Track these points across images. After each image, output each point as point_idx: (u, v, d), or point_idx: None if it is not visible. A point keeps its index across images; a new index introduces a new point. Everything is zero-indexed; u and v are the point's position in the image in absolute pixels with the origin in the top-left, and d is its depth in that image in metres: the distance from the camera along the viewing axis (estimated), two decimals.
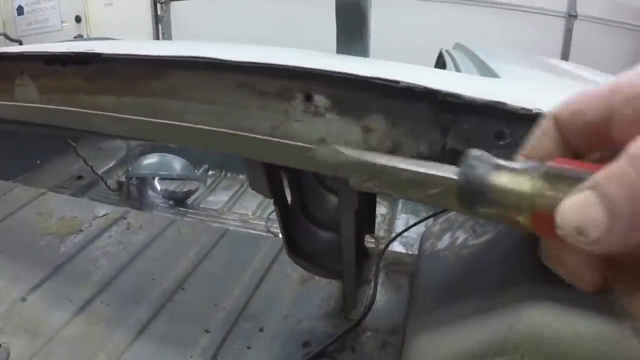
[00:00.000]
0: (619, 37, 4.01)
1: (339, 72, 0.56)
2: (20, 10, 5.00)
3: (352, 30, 0.89)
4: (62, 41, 2.58)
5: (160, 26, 4.37)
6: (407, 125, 0.57)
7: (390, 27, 3.31)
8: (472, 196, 0.34)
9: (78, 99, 0.79)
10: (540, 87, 0.77)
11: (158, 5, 4.33)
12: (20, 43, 1.64)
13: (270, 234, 2.37)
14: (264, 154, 0.66)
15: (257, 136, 0.63)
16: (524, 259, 0.64)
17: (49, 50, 0.79)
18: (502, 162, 0.34)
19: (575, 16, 3.93)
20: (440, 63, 2.23)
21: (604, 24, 3.96)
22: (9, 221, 1.48)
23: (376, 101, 0.57)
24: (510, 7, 3.91)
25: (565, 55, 3.97)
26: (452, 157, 0.56)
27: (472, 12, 3.93)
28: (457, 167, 0.35)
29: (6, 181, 1.80)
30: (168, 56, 0.68)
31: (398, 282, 1.20)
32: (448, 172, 0.41)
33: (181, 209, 2.85)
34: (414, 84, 0.52)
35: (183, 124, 0.68)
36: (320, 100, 0.60)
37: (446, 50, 2.05)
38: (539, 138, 0.36)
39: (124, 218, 1.49)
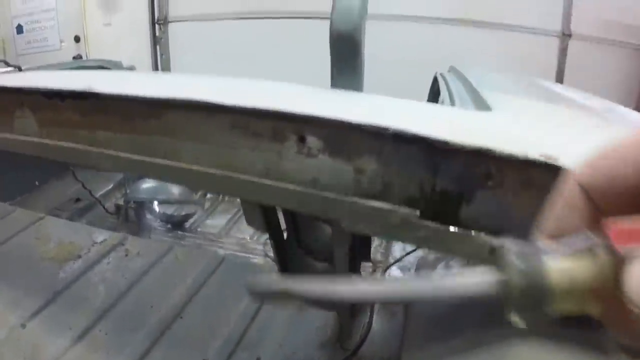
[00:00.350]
0: (614, 56, 4.04)
1: (331, 119, 0.58)
2: (19, 29, 5.03)
3: (346, 62, 0.91)
4: (62, 64, 2.59)
5: (159, 47, 4.40)
6: (397, 166, 0.59)
7: (386, 46, 3.34)
8: (528, 303, 0.27)
9: (76, 134, 0.80)
10: (533, 123, 0.78)
11: (156, 26, 4.36)
12: (20, 69, 1.65)
13: (268, 258, 2.38)
14: (258, 196, 0.68)
15: (251, 178, 0.64)
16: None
17: (48, 86, 0.81)
18: (546, 246, 0.27)
19: (570, 35, 3.96)
20: (435, 87, 2.25)
21: (599, 43, 3.99)
22: (8, 245, 1.49)
23: (367, 143, 0.59)
24: (504, 27, 3.94)
25: (559, 75, 3.99)
26: (442, 198, 0.58)
27: (467, 32, 3.97)
28: (497, 267, 0.28)
29: (4, 202, 1.80)
30: (163, 98, 0.69)
31: (393, 310, 1.20)
32: (484, 281, 0.29)
33: (179, 232, 2.85)
34: (403, 130, 0.54)
35: (179, 164, 0.69)
36: (313, 141, 0.61)
37: (441, 74, 2.06)
38: (564, 210, 0.29)
39: (122, 244, 1.50)
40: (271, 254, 2.55)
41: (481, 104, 0.88)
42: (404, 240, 0.63)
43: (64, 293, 1.28)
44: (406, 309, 1.15)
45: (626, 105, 3.63)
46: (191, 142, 0.69)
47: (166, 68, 4.40)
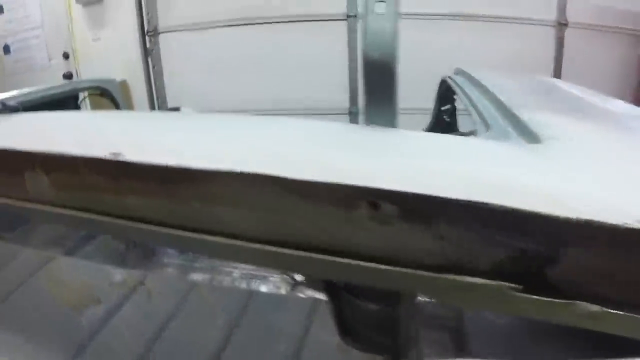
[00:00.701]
0: (610, 42, 4.02)
1: (414, 194, 0.52)
2: (6, 49, 4.95)
3: (382, 93, 0.84)
4: (54, 87, 2.51)
5: (150, 59, 4.31)
6: (482, 231, 0.53)
7: None
8: None
9: (100, 199, 0.72)
10: (596, 164, 0.70)
11: (146, 37, 4.28)
12: (17, 109, 1.57)
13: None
14: (325, 274, 0.61)
15: (316, 255, 0.58)
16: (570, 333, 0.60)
17: (61, 151, 0.73)
18: None
19: (566, 24, 3.92)
20: (442, 90, 2.19)
21: (595, 30, 3.96)
22: (22, 292, 1.42)
23: (448, 207, 0.53)
24: (499, 19, 3.90)
25: (558, 64, 3.96)
26: (531, 263, 0.53)
27: (462, 26, 3.91)
28: None
29: (9, 233, 1.73)
30: (202, 169, 0.62)
31: (436, 339, 1.15)
32: None
33: None
34: (505, 206, 0.49)
35: (227, 240, 0.62)
36: (387, 207, 0.55)
37: (450, 79, 1.98)
38: None
39: (142, 284, 1.44)
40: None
41: (525, 132, 0.82)
42: (495, 311, 0.58)
43: (90, 345, 1.22)
44: (454, 338, 1.10)
45: (624, 90, 3.61)
46: (240, 210, 0.62)
47: (159, 79, 4.32)
